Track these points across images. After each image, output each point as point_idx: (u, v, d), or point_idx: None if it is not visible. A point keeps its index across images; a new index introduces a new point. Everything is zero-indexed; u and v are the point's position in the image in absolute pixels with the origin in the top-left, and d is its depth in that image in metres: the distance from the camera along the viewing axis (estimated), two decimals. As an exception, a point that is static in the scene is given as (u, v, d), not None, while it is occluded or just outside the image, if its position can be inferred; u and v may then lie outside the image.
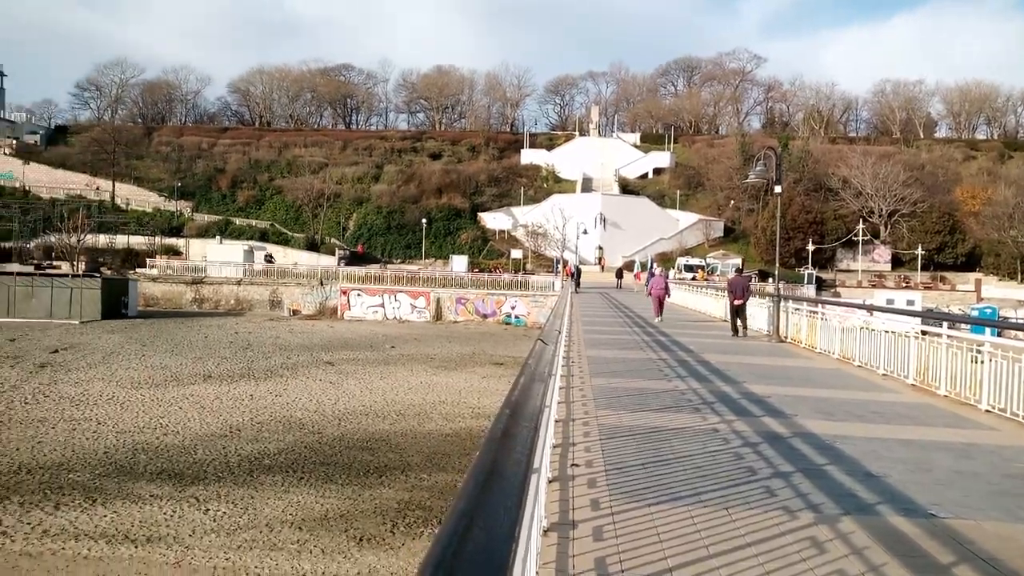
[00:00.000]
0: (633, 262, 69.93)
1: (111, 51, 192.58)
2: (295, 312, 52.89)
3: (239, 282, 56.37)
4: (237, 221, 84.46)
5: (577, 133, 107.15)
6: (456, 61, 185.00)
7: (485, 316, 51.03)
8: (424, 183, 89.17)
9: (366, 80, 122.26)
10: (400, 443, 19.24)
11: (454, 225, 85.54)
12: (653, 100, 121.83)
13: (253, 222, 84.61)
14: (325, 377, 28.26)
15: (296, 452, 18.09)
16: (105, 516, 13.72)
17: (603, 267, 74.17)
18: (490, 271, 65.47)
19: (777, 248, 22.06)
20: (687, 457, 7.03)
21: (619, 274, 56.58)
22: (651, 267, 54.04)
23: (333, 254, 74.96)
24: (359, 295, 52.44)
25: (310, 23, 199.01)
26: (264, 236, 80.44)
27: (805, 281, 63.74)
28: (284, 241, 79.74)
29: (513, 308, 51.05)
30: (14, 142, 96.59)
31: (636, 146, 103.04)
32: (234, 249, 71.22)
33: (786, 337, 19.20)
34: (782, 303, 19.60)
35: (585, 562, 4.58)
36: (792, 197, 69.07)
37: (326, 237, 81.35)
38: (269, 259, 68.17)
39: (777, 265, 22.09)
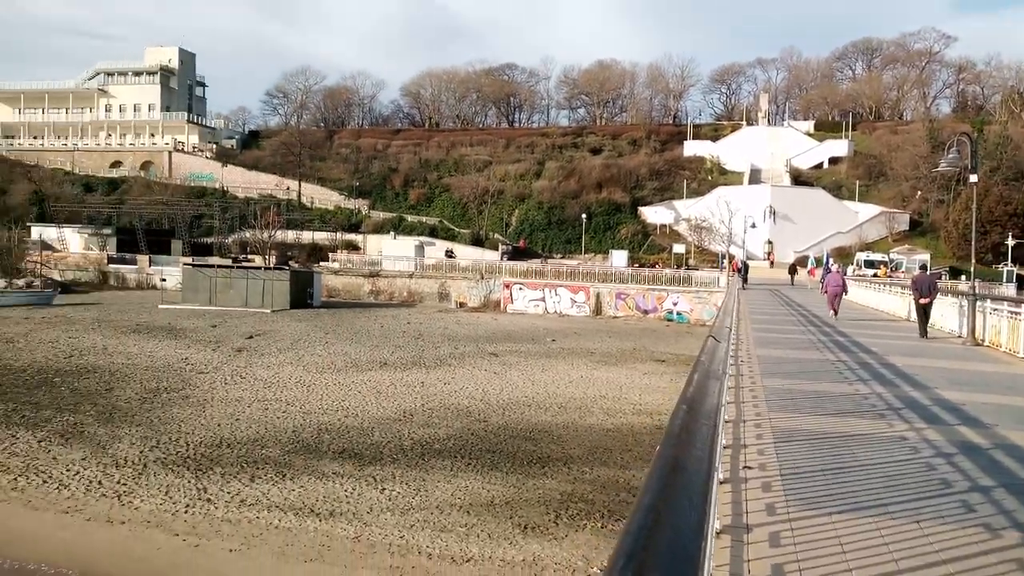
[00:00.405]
0: (806, 257, 66.41)
1: (297, 60, 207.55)
2: (461, 304, 54.75)
3: (411, 275, 59.20)
4: (409, 218, 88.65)
5: (744, 123, 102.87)
6: (617, 54, 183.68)
7: (646, 312, 50.34)
8: (584, 178, 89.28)
9: (528, 78, 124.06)
10: (562, 435, 19.46)
11: (614, 220, 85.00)
12: (828, 85, 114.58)
13: (423, 219, 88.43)
14: (490, 368, 29.09)
15: (463, 438, 18.78)
16: (293, 490, 14.91)
17: (772, 262, 70.98)
18: (651, 266, 64.54)
19: (972, 243, 20.22)
20: (871, 465, 6.63)
21: (792, 270, 53.98)
22: (827, 262, 51.04)
23: (496, 249, 76.94)
24: (521, 289, 53.45)
25: (475, 25, 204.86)
26: (433, 232, 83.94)
27: (1004, 279, 57.87)
28: (451, 237, 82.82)
29: (675, 304, 49.96)
30: (214, 147, 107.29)
31: (809, 134, 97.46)
32: (406, 244, 75.26)
33: (982, 340, 17.56)
34: (978, 303, 17.94)
35: (761, 568, 4.45)
36: (988, 187, 62.91)
37: (490, 233, 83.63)
38: (450, 254, 71.02)
39: (973, 261, 20.24)
